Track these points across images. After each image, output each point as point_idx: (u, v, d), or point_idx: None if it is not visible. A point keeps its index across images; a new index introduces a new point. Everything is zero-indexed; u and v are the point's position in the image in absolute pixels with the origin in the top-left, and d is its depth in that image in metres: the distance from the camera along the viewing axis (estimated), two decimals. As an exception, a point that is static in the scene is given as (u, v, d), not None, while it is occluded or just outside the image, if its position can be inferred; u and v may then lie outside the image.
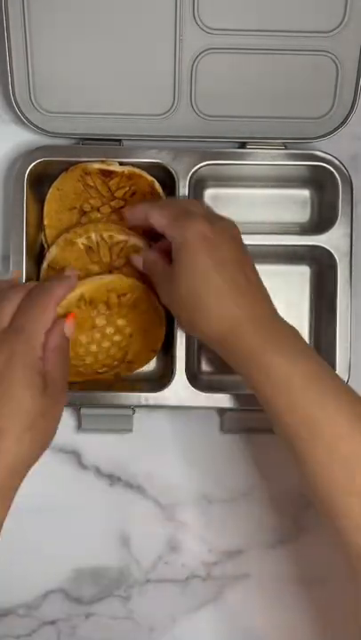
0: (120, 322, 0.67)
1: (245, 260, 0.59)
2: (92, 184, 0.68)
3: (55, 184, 0.68)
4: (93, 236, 0.67)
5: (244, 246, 0.61)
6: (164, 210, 0.61)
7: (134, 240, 0.67)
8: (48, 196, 0.69)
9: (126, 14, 0.64)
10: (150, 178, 0.68)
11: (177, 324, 0.65)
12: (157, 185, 0.69)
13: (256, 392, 0.56)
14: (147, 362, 0.69)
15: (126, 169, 0.68)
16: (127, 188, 0.68)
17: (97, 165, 0.68)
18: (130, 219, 0.66)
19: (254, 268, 0.60)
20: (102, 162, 0.68)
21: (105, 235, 0.67)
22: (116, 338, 0.67)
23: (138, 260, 0.65)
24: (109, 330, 0.67)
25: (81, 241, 0.67)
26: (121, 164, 0.68)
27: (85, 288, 0.65)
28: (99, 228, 0.67)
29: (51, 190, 0.69)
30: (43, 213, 0.69)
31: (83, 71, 0.66)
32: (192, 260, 0.57)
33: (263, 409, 0.56)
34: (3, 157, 0.71)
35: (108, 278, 0.66)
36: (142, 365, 0.69)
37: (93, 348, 0.67)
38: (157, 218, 0.61)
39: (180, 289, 0.58)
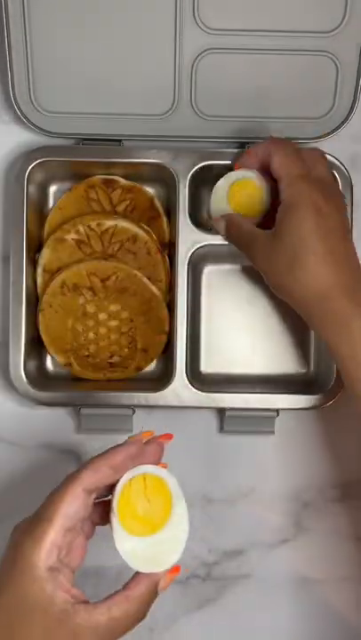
0: (113, 307, 0.68)
1: (347, 233, 0.60)
2: (94, 197, 0.69)
3: (57, 204, 0.69)
4: (81, 228, 0.68)
5: (348, 220, 0.62)
6: (288, 158, 0.61)
7: (123, 223, 0.68)
8: (49, 215, 0.69)
9: (126, 14, 0.64)
10: (150, 194, 0.69)
11: (268, 283, 0.62)
12: (157, 201, 0.70)
13: (335, 354, 0.58)
14: (160, 347, 0.69)
15: (128, 182, 0.69)
16: (128, 202, 0.69)
17: (101, 176, 0.69)
18: (251, 152, 0.64)
19: (352, 241, 0.61)
20: (105, 174, 0.69)
21: (93, 224, 0.68)
22: (112, 323, 0.68)
23: (220, 224, 0.65)
24: (102, 316, 0.68)
25: (70, 236, 0.68)
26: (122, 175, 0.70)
27: (65, 274, 0.67)
28: (85, 219, 0.68)
29: (52, 210, 0.69)
30: (43, 214, 0.70)
31: (83, 71, 0.66)
32: (299, 224, 0.58)
33: (339, 371, 0.60)
34: (3, 157, 0.71)
35: (86, 262, 0.67)
36: (158, 352, 0.70)
37: (91, 335, 0.69)
38: (279, 164, 0.60)
39: (280, 248, 0.59)
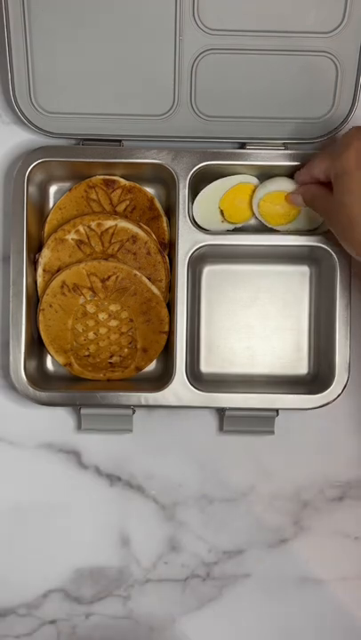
0: (113, 307, 0.69)
1: None
2: (94, 197, 0.69)
3: (57, 204, 0.69)
4: (82, 228, 0.68)
5: None
6: (320, 157, 0.63)
7: (123, 223, 0.68)
8: (49, 215, 0.69)
9: (126, 14, 0.64)
10: (150, 194, 0.69)
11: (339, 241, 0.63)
12: (157, 201, 0.70)
13: None
14: (160, 347, 0.70)
15: (128, 182, 0.69)
16: (128, 202, 0.69)
17: (101, 176, 0.69)
18: (301, 180, 0.67)
19: None
20: (105, 174, 0.69)
21: (93, 224, 0.68)
22: (113, 323, 0.69)
23: (297, 198, 0.67)
24: (102, 316, 0.68)
25: (70, 237, 0.68)
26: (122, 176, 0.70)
27: (65, 274, 0.67)
28: (85, 219, 0.68)
29: (52, 210, 0.69)
30: (43, 214, 0.70)
31: (83, 71, 0.66)
32: (349, 185, 0.59)
33: None
34: (3, 158, 0.71)
35: (86, 262, 0.67)
36: (158, 352, 0.70)
37: (91, 335, 0.69)
38: (316, 166, 0.63)
39: (341, 215, 0.60)
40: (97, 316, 0.69)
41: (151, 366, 0.71)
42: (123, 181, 0.69)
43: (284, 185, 0.68)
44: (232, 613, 0.72)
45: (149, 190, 0.70)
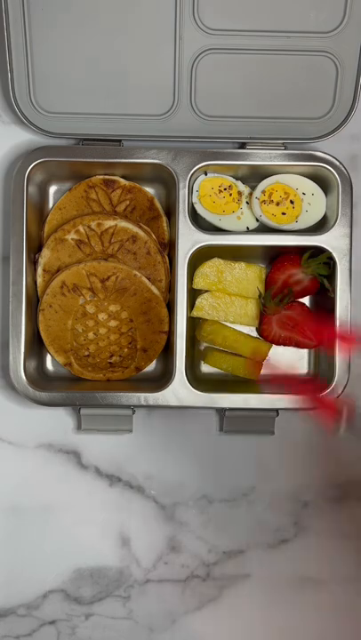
0: (113, 307, 0.68)
1: None
2: (94, 197, 0.69)
3: (57, 204, 0.69)
4: (81, 228, 0.68)
5: None
6: None
7: (123, 223, 0.68)
8: (49, 215, 0.69)
9: (126, 14, 0.64)
10: (150, 194, 0.69)
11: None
12: (157, 201, 0.70)
13: None
14: (160, 346, 0.69)
15: (128, 182, 0.69)
16: (128, 202, 0.69)
17: (101, 176, 0.69)
18: None
19: None
20: (105, 174, 0.69)
21: (93, 224, 0.68)
22: (112, 323, 0.69)
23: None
24: (102, 316, 0.68)
25: (70, 237, 0.68)
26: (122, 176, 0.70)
27: (65, 274, 0.67)
28: (85, 219, 0.68)
29: (52, 210, 0.69)
30: (43, 214, 0.70)
31: (83, 71, 0.66)
32: None
33: None
34: (3, 158, 0.71)
35: (86, 263, 0.67)
36: (157, 352, 0.70)
37: (91, 335, 0.69)
38: None
39: None
40: (97, 316, 0.69)
41: (151, 366, 0.71)
42: (123, 181, 0.69)
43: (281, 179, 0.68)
44: (232, 613, 0.72)
45: (149, 190, 0.70)
